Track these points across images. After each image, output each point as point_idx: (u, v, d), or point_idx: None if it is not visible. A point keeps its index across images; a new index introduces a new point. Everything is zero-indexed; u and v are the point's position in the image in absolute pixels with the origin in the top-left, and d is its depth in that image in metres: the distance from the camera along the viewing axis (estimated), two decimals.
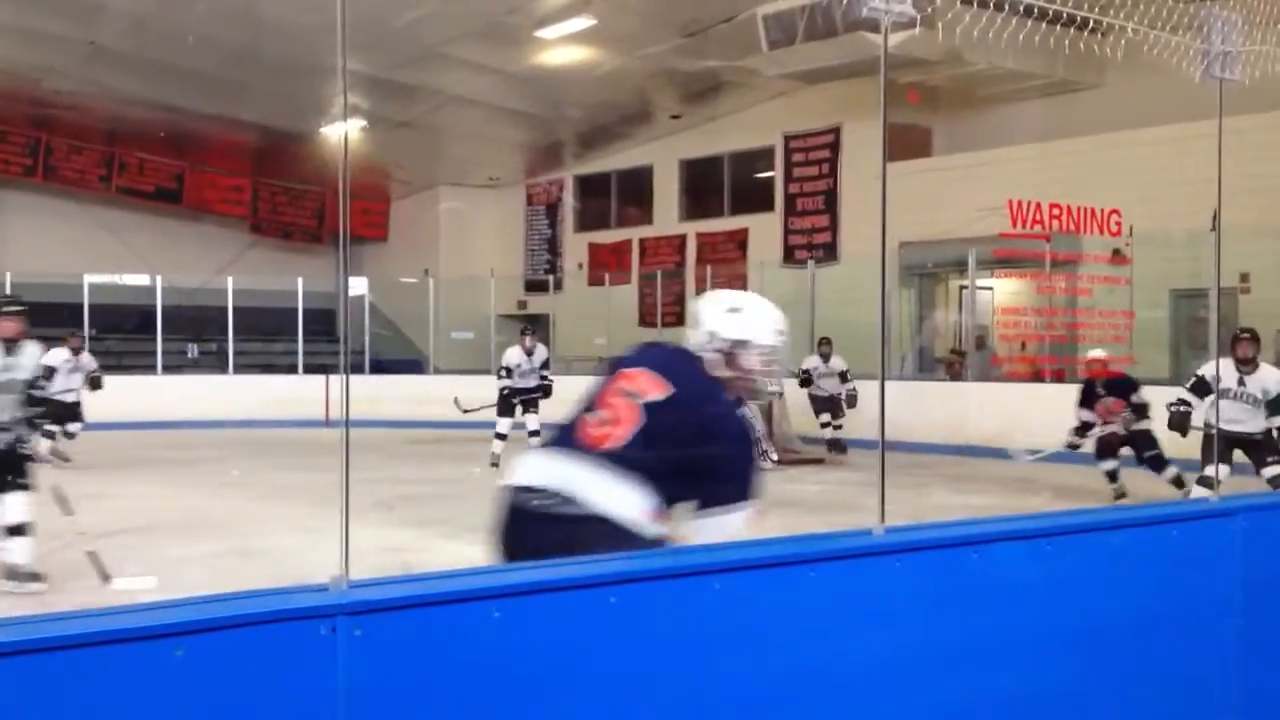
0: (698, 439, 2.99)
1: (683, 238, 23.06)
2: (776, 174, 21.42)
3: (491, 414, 13.75)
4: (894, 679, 2.80)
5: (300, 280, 21.70)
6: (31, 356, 7.64)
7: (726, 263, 21.78)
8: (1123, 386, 11.19)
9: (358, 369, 21.11)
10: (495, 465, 12.86)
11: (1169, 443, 10.18)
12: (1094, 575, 3.22)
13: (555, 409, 13.68)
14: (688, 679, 2.48)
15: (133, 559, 7.86)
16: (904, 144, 18.52)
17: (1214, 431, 8.64)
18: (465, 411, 14.37)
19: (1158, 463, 10.57)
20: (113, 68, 19.31)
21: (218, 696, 1.97)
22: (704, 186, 23.05)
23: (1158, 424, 10.28)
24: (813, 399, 15.36)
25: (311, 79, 14.93)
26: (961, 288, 18.14)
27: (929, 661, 2.86)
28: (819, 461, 13.99)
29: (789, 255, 20.92)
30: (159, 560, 7.79)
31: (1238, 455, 9.11)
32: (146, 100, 20.86)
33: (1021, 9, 3.65)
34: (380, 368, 21.82)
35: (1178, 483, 10.20)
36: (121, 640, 1.90)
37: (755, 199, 21.84)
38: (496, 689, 2.23)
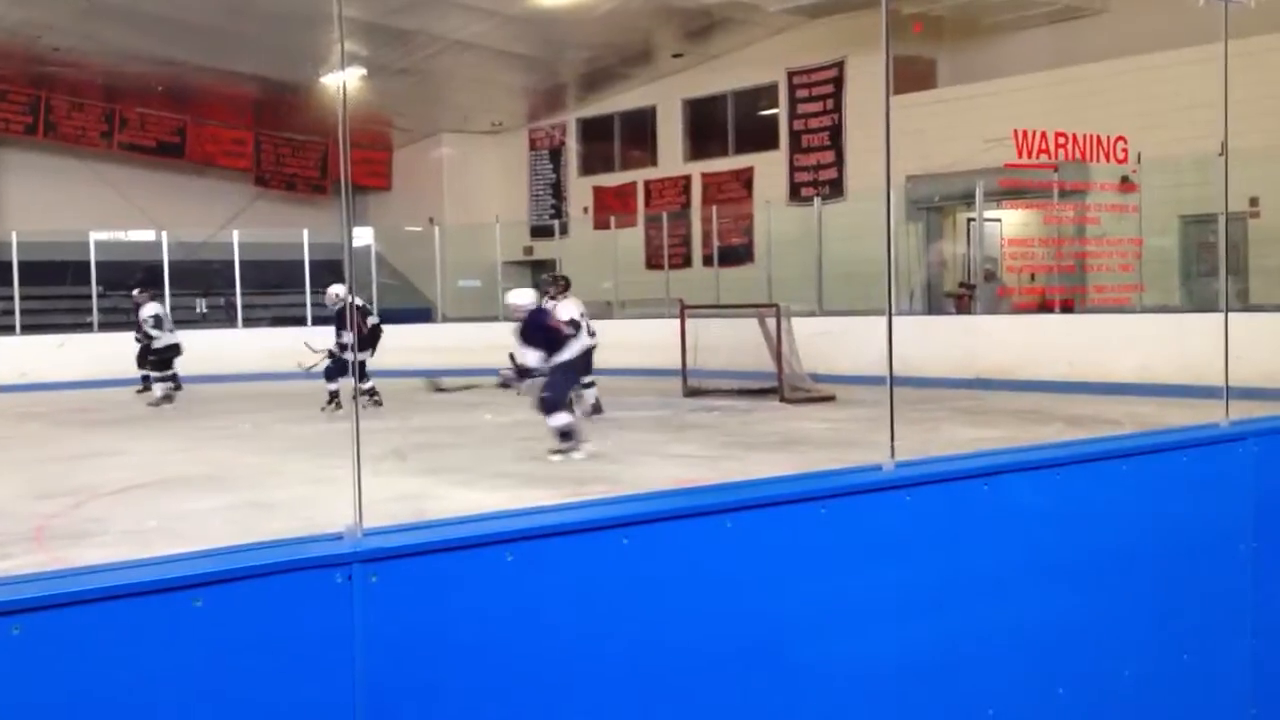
0: None
1: (687, 178, 22.94)
2: (780, 111, 21.26)
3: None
4: (906, 611, 2.82)
5: (306, 232, 21.65)
6: None
7: (732, 202, 21.69)
8: None
9: None
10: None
11: None
12: (1105, 503, 3.23)
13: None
14: (702, 618, 2.50)
15: (149, 513, 7.93)
16: (908, 76, 18.36)
17: None
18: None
19: None
20: (110, 22, 19.17)
21: (237, 646, 1.99)
22: (708, 126, 22.90)
23: None
24: None
25: (309, 27, 14.82)
26: (969, 220, 18.05)
27: (941, 593, 2.88)
28: (829, 399, 14.00)
29: (795, 193, 20.81)
30: (175, 514, 7.86)
31: None
32: (145, 54, 20.74)
33: None
34: (388, 317, 21.85)
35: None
36: (141, 593, 1.92)
37: (760, 137, 21.69)
38: (511, 632, 2.25)
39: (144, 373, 16.40)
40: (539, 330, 9.95)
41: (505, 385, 10.29)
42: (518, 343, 10.05)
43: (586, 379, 12.16)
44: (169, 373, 15.89)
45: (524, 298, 10.45)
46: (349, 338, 14.23)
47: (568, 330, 10.20)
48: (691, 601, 2.49)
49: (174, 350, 15.99)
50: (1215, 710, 3.47)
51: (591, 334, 12.45)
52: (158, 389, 15.73)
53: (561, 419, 9.83)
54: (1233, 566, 3.50)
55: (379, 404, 14.20)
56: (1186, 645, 3.39)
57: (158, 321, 15.87)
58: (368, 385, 14.40)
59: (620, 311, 21.05)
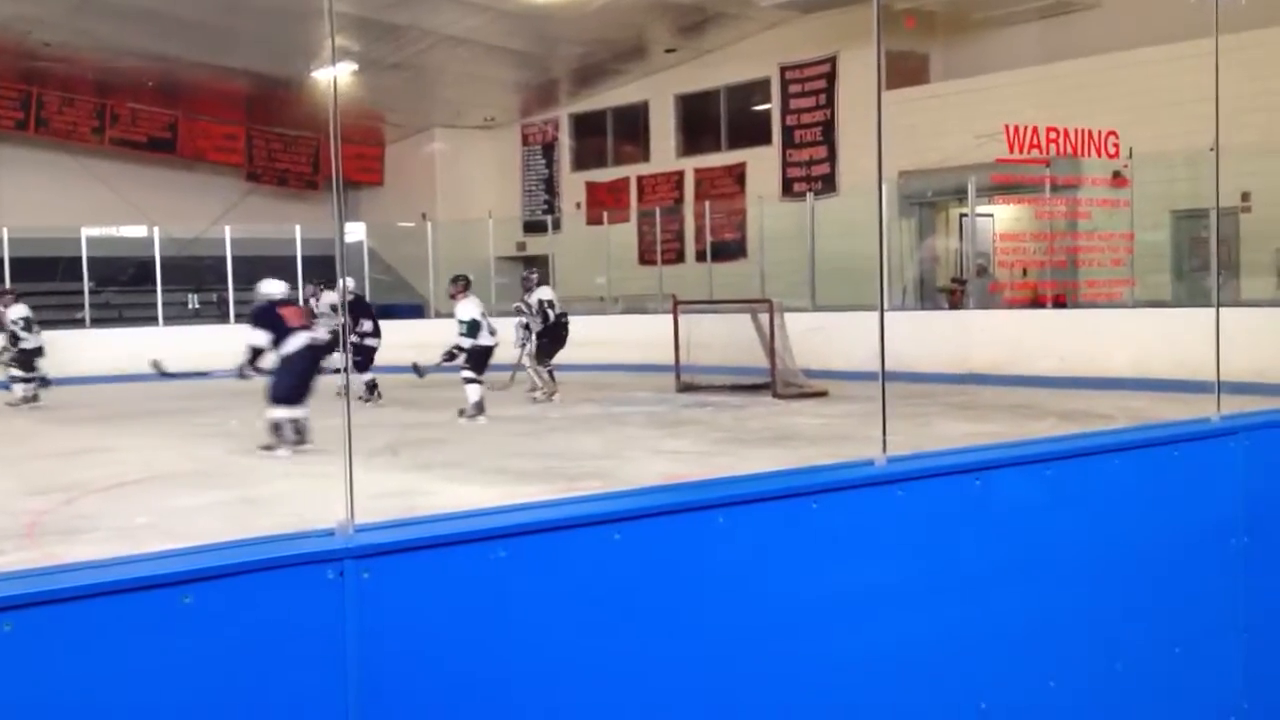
0: None
1: (680, 174, 22.93)
2: (773, 106, 21.25)
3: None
4: (898, 606, 2.82)
5: (298, 228, 21.61)
6: None
7: (725, 198, 21.68)
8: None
9: None
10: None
11: None
12: (1097, 498, 3.23)
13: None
14: (694, 612, 2.50)
15: (140, 510, 7.92)
16: (901, 71, 18.36)
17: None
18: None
19: None
20: (101, 17, 19.11)
21: (228, 642, 1.98)
22: (700, 121, 22.88)
23: None
24: None
25: (300, 22, 14.80)
26: (961, 216, 18.06)
27: (933, 588, 2.88)
28: (822, 394, 14.00)
29: (788, 188, 20.81)
30: (165, 510, 7.84)
31: None
32: (136, 50, 20.68)
33: None
34: (381, 313, 21.81)
35: None
36: (130, 590, 1.91)
37: (752, 132, 21.69)
38: (503, 628, 2.25)
39: (33, 375, 16.14)
40: (266, 321, 10.46)
41: (241, 375, 10.70)
42: (248, 326, 10.78)
43: (476, 375, 12.80)
44: (33, 375, 15.94)
45: (268, 286, 10.93)
46: (368, 325, 14.56)
47: (293, 324, 10.54)
48: (684, 596, 2.49)
49: (38, 353, 16.08)
50: (1206, 703, 3.48)
51: (492, 332, 13.12)
52: (18, 390, 15.81)
53: (277, 412, 10.29)
54: (1223, 560, 3.50)
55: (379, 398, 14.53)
56: (1178, 638, 3.40)
57: (27, 324, 15.91)
58: (368, 377, 14.62)
59: (613, 307, 21.05)
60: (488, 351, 13.11)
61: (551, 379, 14.65)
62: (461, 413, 12.67)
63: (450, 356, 13.02)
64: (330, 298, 16.14)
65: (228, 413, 14.08)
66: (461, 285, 13.53)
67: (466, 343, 12.83)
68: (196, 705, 1.96)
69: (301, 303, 15.80)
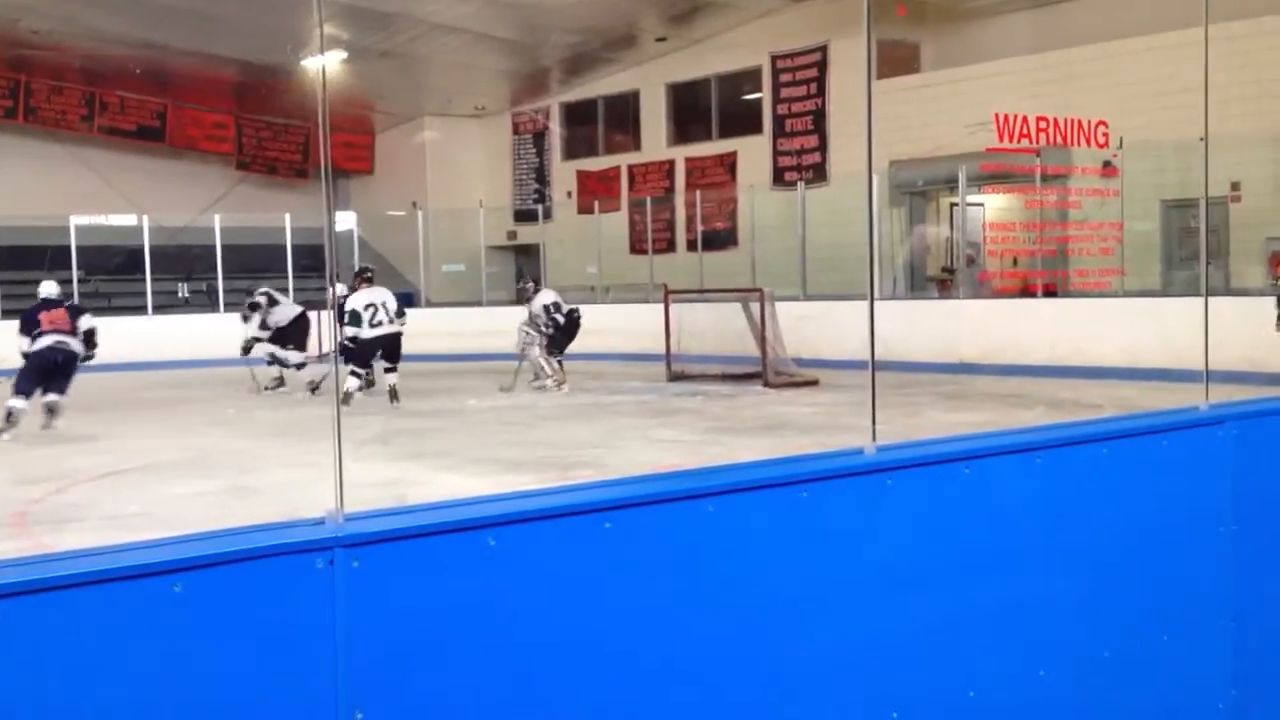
0: None
1: (671, 163, 22.90)
2: (764, 95, 21.23)
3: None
4: (888, 594, 2.83)
5: (288, 216, 21.56)
6: None
7: (716, 187, 21.67)
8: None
9: None
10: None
11: None
12: (1086, 487, 3.24)
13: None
14: (684, 601, 2.51)
15: (131, 499, 7.90)
16: (892, 60, 18.36)
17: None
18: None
19: None
20: (90, 5, 19.04)
21: (217, 631, 1.98)
22: (691, 110, 22.85)
23: None
24: None
25: (289, 10, 14.75)
26: (952, 205, 18.07)
27: (922, 576, 2.89)
28: (813, 383, 14.02)
29: (778, 177, 20.80)
30: (156, 499, 7.83)
31: None
32: (125, 37, 20.60)
33: None
34: None
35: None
36: (120, 578, 1.91)
37: (743, 121, 21.66)
38: (493, 616, 2.25)
39: None
40: (27, 323, 11.53)
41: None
42: (16, 328, 11.72)
43: (356, 365, 13.29)
44: None
45: (41, 288, 12.09)
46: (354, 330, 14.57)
47: (45, 327, 11.44)
48: (674, 585, 2.49)
49: None
50: (1196, 691, 3.50)
51: (374, 325, 13.25)
52: None
53: (12, 402, 11.24)
54: (1212, 549, 3.52)
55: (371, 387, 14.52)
56: (1167, 627, 3.41)
57: None
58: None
59: (604, 296, 21.04)
60: (372, 342, 13.29)
61: (560, 368, 14.56)
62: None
63: (344, 349, 13.30)
64: (289, 312, 15.46)
65: (222, 401, 14.08)
66: (362, 279, 13.89)
67: (349, 331, 12.97)
68: (186, 694, 1.96)
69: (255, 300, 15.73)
